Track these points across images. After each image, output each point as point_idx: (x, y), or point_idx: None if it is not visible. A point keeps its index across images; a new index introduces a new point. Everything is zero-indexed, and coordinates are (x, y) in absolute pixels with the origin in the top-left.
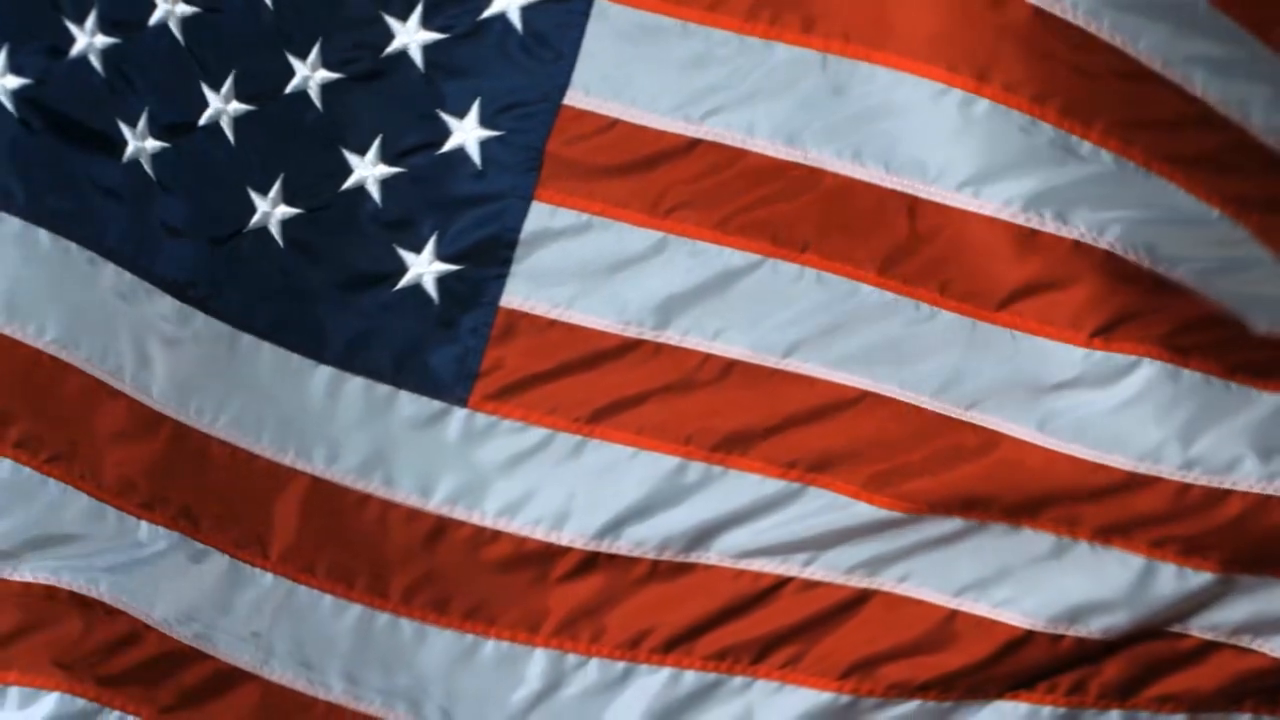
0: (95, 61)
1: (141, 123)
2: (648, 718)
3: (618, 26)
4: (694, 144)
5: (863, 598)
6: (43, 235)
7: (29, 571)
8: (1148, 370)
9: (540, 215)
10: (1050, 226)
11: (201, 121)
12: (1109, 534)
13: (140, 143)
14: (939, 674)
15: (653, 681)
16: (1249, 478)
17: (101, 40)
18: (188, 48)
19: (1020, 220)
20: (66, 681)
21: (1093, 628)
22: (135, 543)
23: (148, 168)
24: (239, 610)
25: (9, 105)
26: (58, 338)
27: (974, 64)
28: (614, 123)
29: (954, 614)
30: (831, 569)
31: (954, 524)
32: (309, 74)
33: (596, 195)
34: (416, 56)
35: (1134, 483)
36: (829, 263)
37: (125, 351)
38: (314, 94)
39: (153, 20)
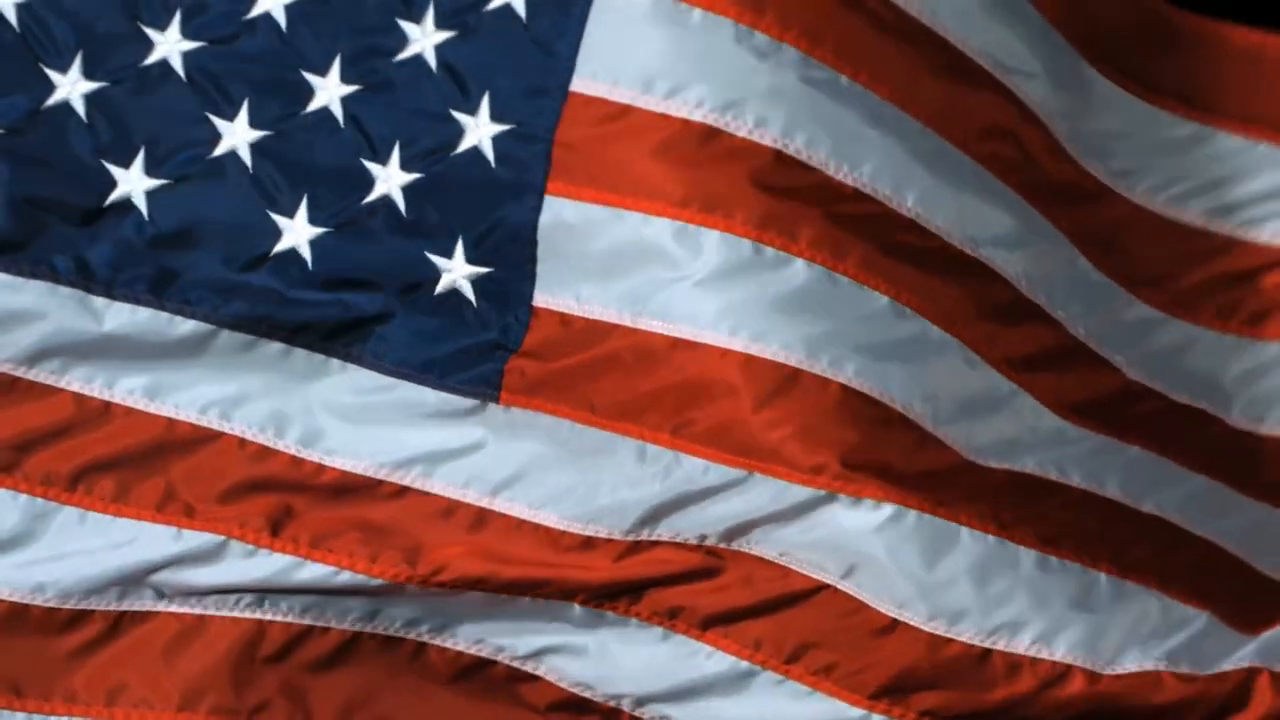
0: (79, 107)
1: (136, 163)
2: (677, 687)
3: (621, 9)
4: (690, 126)
5: (894, 625)
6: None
7: None
8: None
9: (555, 209)
10: None
11: (215, 153)
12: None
13: (133, 183)
14: (974, 709)
15: (686, 653)
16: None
17: (87, 85)
18: (191, 82)
19: None
20: None
21: (1128, 664)
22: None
23: (141, 206)
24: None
25: None
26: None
27: None
28: (623, 109)
29: (988, 651)
30: (860, 589)
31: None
32: (331, 91)
33: (609, 185)
34: (430, 58)
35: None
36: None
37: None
38: (336, 110)
39: (150, 60)
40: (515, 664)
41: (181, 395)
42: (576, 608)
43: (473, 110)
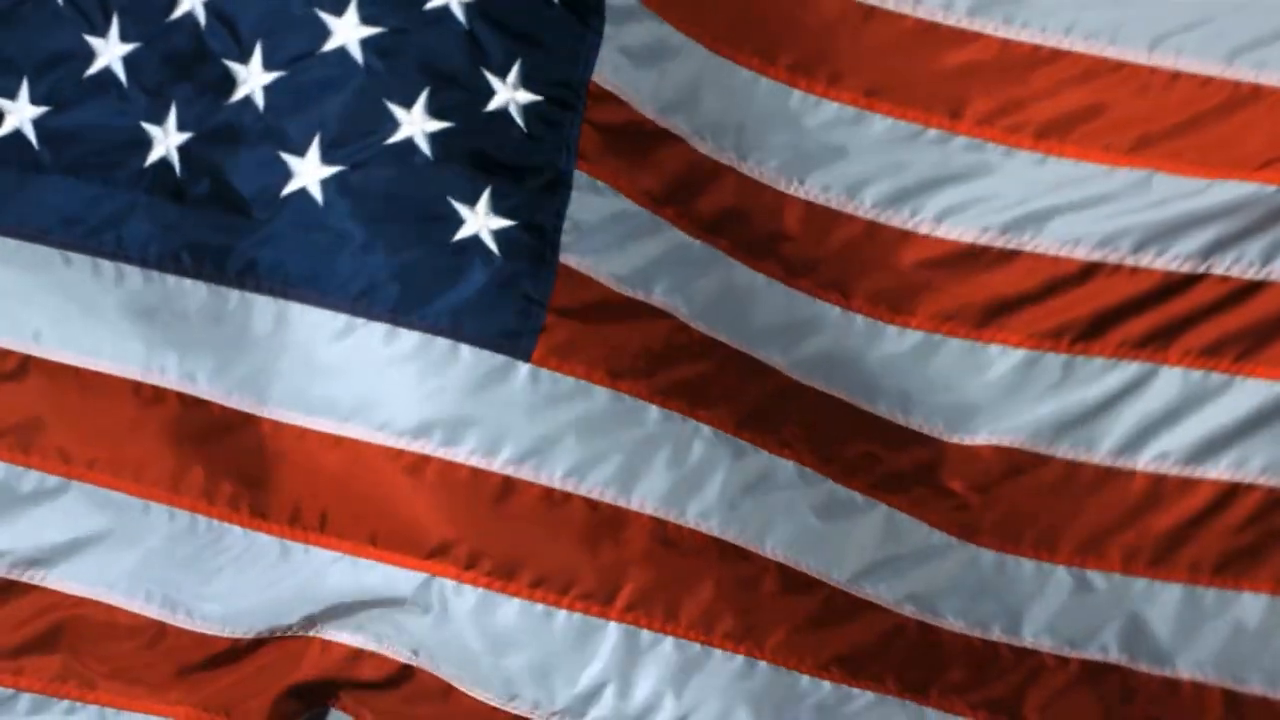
0: (119, 72)
1: (170, 120)
2: (726, 696)
3: (629, 13)
4: (667, 136)
5: (919, 626)
6: (75, 259)
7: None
8: None
9: (583, 183)
10: None
11: (232, 100)
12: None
13: (168, 141)
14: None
15: (727, 667)
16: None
17: (123, 49)
18: (209, 30)
19: None
20: None
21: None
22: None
23: (175, 162)
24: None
25: (31, 136)
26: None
27: None
28: (625, 109)
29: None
30: (880, 590)
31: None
32: (349, 32)
33: (626, 179)
34: (459, 11)
35: None
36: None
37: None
38: (354, 50)
39: (175, 14)
40: (555, 716)
41: (226, 377)
42: (610, 628)
43: (503, 73)
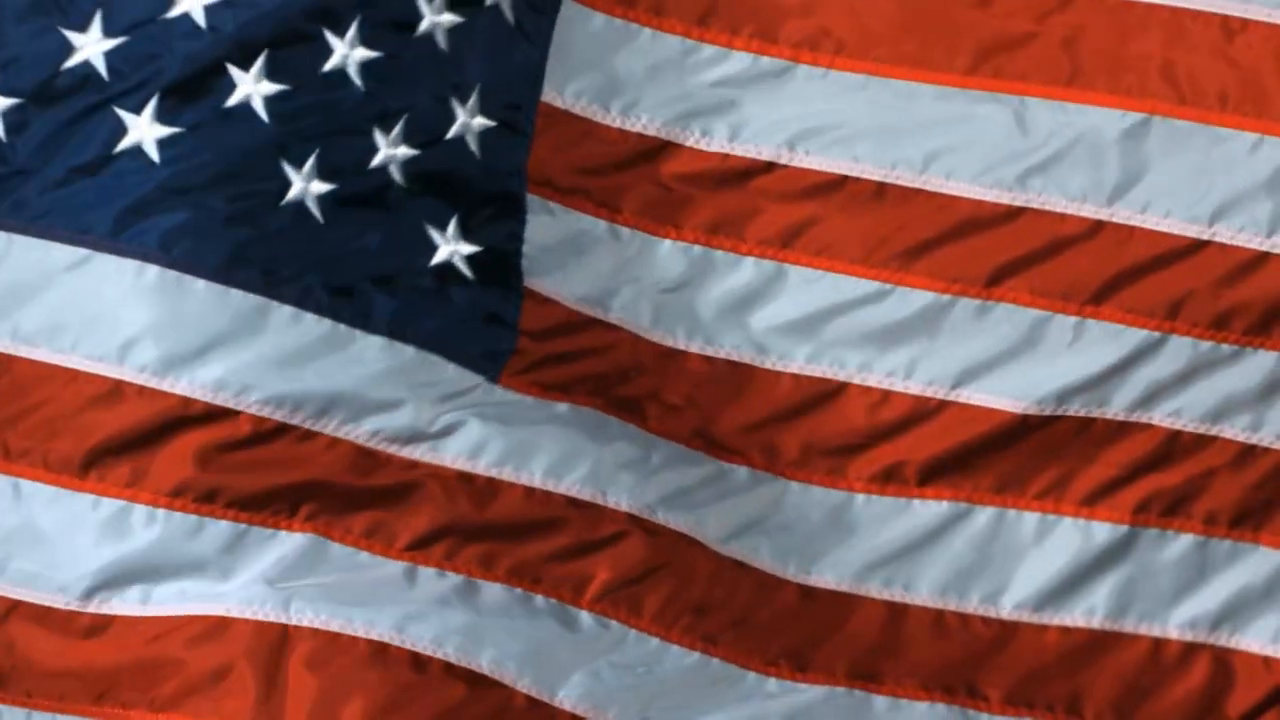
0: (98, 65)
1: (148, 110)
2: (679, 693)
3: (585, 24)
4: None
5: (885, 607)
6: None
7: None
8: None
9: (536, 205)
10: None
11: (229, 103)
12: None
13: (144, 130)
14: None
15: (684, 663)
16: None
17: (106, 43)
18: (210, 31)
19: None
20: None
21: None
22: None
23: (152, 153)
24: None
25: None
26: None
27: None
28: (581, 120)
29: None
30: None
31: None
32: (348, 51)
33: (581, 194)
34: (441, 39)
35: None
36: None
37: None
38: (353, 72)
39: (172, 13)
40: (540, 697)
41: (197, 372)
42: (582, 615)
43: (464, 99)
